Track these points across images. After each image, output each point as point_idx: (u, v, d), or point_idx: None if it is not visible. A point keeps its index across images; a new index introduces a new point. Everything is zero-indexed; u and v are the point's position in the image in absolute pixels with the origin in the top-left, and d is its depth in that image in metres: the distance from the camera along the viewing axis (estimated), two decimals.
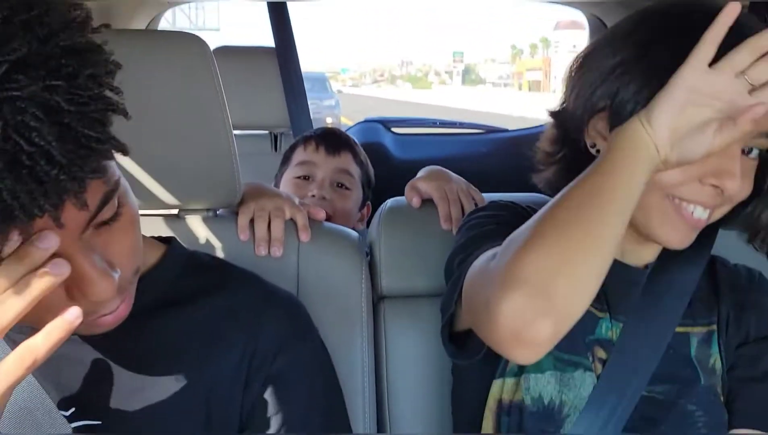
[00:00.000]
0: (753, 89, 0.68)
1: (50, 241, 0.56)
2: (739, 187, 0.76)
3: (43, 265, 0.56)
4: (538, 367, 0.83)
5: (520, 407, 0.83)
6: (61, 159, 0.52)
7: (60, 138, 0.53)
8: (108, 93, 0.58)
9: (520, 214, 0.90)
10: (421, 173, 1.20)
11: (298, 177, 1.49)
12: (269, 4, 2.02)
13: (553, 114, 0.91)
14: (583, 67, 0.84)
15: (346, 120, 12.10)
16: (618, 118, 0.76)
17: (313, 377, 0.84)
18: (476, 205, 1.12)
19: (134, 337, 0.78)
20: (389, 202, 1.16)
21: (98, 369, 0.76)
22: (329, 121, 11.43)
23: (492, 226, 0.87)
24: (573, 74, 0.86)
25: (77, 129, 0.54)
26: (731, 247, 0.93)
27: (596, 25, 2.13)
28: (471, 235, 0.87)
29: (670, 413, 0.81)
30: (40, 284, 0.56)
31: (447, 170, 1.21)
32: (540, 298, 0.64)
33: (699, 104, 0.68)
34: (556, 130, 0.90)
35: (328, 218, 1.39)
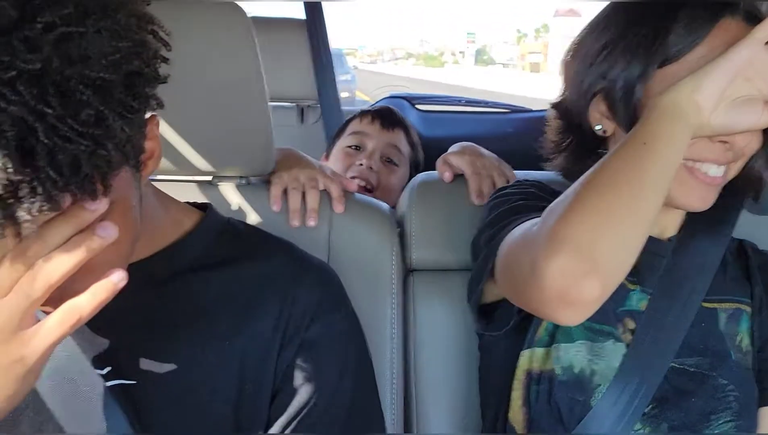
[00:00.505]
0: None
1: (99, 203, 0.56)
2: (748, 139, 0.79)
3: (90, 226, 0.57)
4: (569, 336, 0.83)
5: (550, 377, 0.84)
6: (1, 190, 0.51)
7: (15, 169, 0.50)
8: (114, 134, 0.55)
9: (547, 192, 0.92)
10: (453, 148, 1.20)
11: (350, 146, 1.53)
12: None
13: (554, 105, 0.94)
14: (575, 56, 0.88)
15: (362, 95, 12.48)
16: (613, 97, 0.82)
17: (345, 345, 0.84)
18: (507, 181, 1.12)
19: (170, 300, 0.79)
20: (420, 176, 1.16)
21: (131, 330, 0.77)
22: (345, 94, 11.63)
23: (521, 202, 0.88)
24: (566, 64, 0.90)
25: (40, 164, 0.51)
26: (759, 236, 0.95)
27: None
28: (499, 212, 0.88)
29: (702, 386, 0.82)
30: (88, 245, 0.56)
31: (478, 146, 1.21)
32: (585, 258, 0.65)
33: (748, 77, 0.71)
34: (560, 120, 0.93)
35: (372, 190, 1.40)
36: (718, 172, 0.80)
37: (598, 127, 0.87)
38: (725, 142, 0.78)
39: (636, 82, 0.80)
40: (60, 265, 0.55)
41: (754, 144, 0.80)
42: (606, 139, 0.88)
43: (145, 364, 0.76)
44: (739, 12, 0.78)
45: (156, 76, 0.61)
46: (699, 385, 0.82)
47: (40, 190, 0.52)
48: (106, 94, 0.54)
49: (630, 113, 0.81)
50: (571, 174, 0.91)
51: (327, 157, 1.59)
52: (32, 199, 0.52)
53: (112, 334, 0.76)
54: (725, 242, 0.88)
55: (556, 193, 0.90)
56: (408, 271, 1.12)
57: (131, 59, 0.57)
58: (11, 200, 0.51)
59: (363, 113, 1.58)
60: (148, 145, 0.67)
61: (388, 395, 1.01)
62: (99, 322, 0.75)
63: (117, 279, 0.58)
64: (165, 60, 0.61)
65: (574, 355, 0.83)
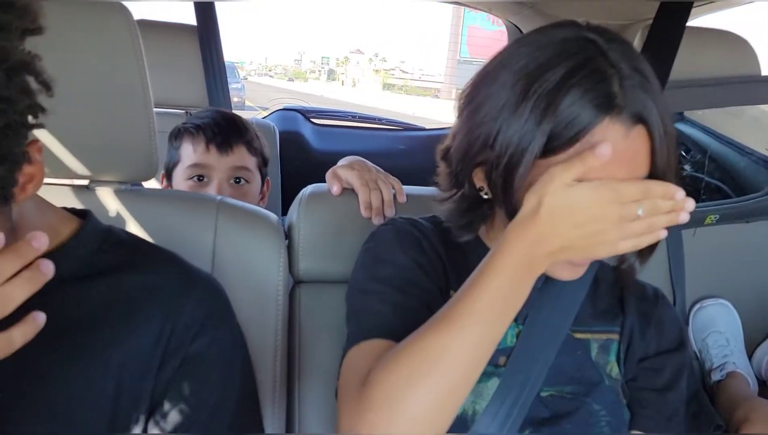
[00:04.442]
0: (636, 218, 0.68)
1: (42, 241, 0.60)
2: None
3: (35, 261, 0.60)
4: None
5: None
6: None
7: None
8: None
9: (415, 238, 0.89)
10: (342, 162, 1.21)
11: (192, 177, 1.37)
12: None
13: (443, 156, 0.88)
14: (472, 112, 0.79)
15: (251, 103, 14.06)
16: (491, 174, 0.77)
17: (229, 360, 0.82)
18: (395, 193, 1.14)
19: (45, 312, 0.75)
20: (309, 188, 1.16)
21: None
22: (235, 99, 12.40)
23: (373, 296, 0.84)
24: (462, 113, 0.82)
25: None
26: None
27: (513, 31, 2.20)
28: (363, 270, 0.87)
29: (578, 411, 0.85)
30: (36, 279, 0.60)
31: (366, 160, 1.22)
32: None
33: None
34: (448, 169, 0.87)
35: None
36: None
37: (480, 188, 0.83)
38: None
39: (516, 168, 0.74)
40: (16, 295, 0.59)
41: None
42: (491, 201, 0.83)
43: (14, 376, 0.71)
44: (624, 113, 0.71)
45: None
46: (575, 410, 0.85)
47: None
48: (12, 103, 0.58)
49: (508, 199, 0.76)
50: (458, 228, 0.88)
51: (168, 175, 1.43)
52: None
53: None
54: (593, 271, 0.89)
55: (427, 230, 0.90)
56: (295, 283, 1.11)
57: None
58: None
59: (194, 138, 1.38)
60: (29, 169, 0.67)
61: (269, 408, 0.99)
62: None
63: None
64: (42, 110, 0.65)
65: None
